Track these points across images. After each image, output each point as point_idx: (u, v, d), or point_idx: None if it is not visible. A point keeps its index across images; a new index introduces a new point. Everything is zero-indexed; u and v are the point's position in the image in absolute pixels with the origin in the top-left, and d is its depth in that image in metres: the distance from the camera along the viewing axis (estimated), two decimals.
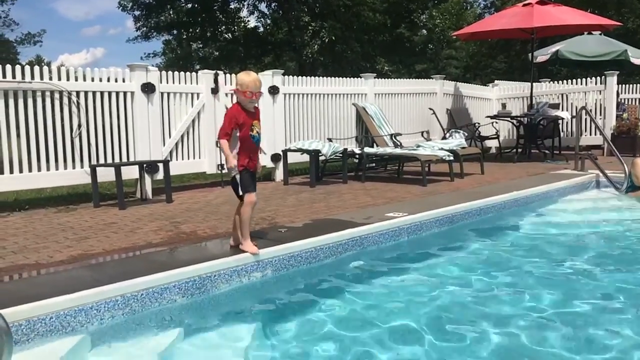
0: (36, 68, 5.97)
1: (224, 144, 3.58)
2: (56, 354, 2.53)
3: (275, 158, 8.05)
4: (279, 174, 8.00)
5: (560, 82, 12.22)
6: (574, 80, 11.51)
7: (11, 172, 5.84)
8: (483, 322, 3.00)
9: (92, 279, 3.12)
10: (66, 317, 2.75)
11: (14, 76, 5.79)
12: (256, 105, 3.73)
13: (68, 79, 6.20)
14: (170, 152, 7.07)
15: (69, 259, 3.73)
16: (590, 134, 10.95)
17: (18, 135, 5.88)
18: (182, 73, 7.25)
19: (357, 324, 3.03)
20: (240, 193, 3.65)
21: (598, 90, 10.97)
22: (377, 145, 8.50)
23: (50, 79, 6.06)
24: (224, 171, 7.49)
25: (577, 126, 8.70)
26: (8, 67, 5.77)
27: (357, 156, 8.22)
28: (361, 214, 4.97)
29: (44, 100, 6.01)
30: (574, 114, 10.52)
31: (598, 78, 10.94)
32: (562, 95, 11.48)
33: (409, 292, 3.54)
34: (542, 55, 13.06)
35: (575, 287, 3.60)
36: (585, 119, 10.80)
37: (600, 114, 10.85)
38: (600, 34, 12.94)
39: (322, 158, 7.75)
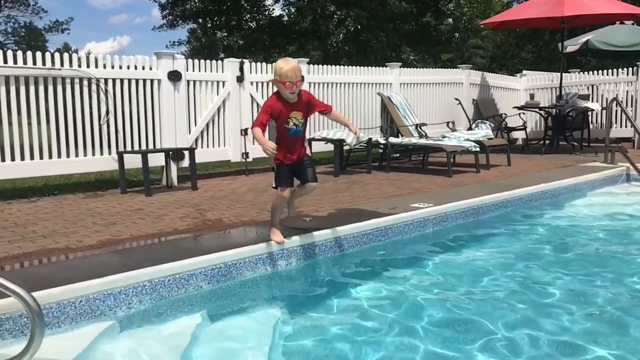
0: (66, 55, 6.06)
1: (257, 132, 3.31)
2: (86, 337, 2.57)
3: None
4: None
5: (590, 72, 11.95)
6: (605, 71, 11.26)
7: (41, 157, 5.95)
8: (507, 318, 2.96)
9: (121, 264, 3.16)
10: (95, 300, 2.79)
11: (44, 63, 5.88)
12: (299, 91, 3.42)
13: (97, 67, 6.28)
14: (196, 140, 7.12)
15: (97, 244, 3.79)
16: (621, 126, 10.70)
17: (48, 122, 5.98)
18: (208, 61, 7.28)
19: (381, 314, 3.02)
20: (274, 185, 3.64)
21: (629, 81, 10.71)
22: (402, 136, 8.44)
23: (79, 66, 6.14)
24: (248, 160, 7.53)
25: (608, 118, 8.50)
26: (38, 54, 5.87)
27: (381, 146, 8.17)
28: (386, 204, 4.94)
29: (73, 88, 6.10)
30: (604, 105, 10.30)
31: (629, 69, 10.68)
32: (592, 86, 11.23)
33: (433, 284, 3.52)
34: (572, 46, 12.75)
35: (604, 279, 3.54)
36: (616, 110, 10.56)
37: (631, 106, 10.60)
38: (633, 24, 12.60)
39: (346, 148, 7.73)
